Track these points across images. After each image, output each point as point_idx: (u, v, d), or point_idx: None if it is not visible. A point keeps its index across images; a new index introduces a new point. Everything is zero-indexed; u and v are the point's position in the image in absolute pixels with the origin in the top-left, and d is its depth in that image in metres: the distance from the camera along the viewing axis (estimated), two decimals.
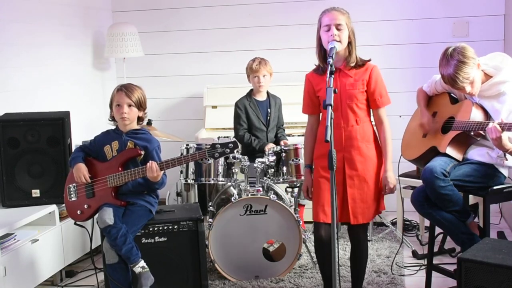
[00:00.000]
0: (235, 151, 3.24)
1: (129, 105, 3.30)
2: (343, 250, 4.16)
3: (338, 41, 2.92)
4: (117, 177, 3.24)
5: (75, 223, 3.41)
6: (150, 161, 3.18)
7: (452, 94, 3.42)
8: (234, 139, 3.55)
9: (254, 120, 4.24)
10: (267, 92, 4.33)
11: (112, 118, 3.40)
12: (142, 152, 3.29)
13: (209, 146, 3.19)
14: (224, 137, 4.30)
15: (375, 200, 3.07)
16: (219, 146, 3.16)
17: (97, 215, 3.22)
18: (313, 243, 4.07)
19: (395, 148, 3.16)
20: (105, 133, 3.43)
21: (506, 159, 3.15)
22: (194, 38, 5.37)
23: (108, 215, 3.13)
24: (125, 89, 3.31)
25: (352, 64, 3.01)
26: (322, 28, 2.97)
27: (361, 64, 3.03)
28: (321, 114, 3.15)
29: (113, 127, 3.44)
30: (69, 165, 3.45)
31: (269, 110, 4.29)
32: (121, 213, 3.23)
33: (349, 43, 2.99)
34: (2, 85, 3.97)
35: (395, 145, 3.18)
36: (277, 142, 4.26)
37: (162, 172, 3.22)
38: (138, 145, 3.30)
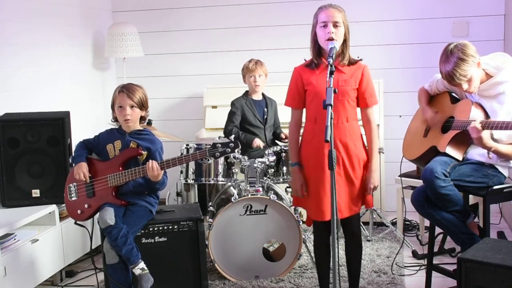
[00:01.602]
0: (236, 150, 3.24)
1: (132, 107, 3.29)
2: (343, 250, 4.15)
3: (334, 39, 2.93)
4: (118, 176, 3.24)
5: (75, 223, 3.41)
6: (150, 160, 3.18)
7: (453, 94, 3.42)
8: (235, 139, 3.55)
9: (251, 117, 4.27)
10: (263, 94, 4.39)
11: (115, 119, 3.40)
12: (143, 152, 3.29)
13: (210, 146, 3.19)
14: (225, 137, 4.30)
15: (361, 195, 3.10)
16: (220, 145, 3.16)
17: (97, 215, 3.22)
18: (313, 243, 4.09)
19: (395, 148, 3.16)
20: (109, 131, 3.43)
21: (490, 157, 3.15)
22: (193, 38, 5.37)
23: (109, 215, 3.12)
24: (126, 90, 3.30)
25: (346, 62, 3.03)
26: (319, 24, 2.98)
27: (353, 62, 3.06)
28: (304, 109, 3.14)
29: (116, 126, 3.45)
30: (72, 163, 3.44)
31: (265, 109, 4.33)
32: (122, 213, 3.22)
33: (344, 40, 3.01)
34: (2, 85, 3.97)
35: (395, 145, 3.19)
36: (276, 138, 4.34)
37: (163, 171, 3.22)
38: (141, 146, 3.30)
